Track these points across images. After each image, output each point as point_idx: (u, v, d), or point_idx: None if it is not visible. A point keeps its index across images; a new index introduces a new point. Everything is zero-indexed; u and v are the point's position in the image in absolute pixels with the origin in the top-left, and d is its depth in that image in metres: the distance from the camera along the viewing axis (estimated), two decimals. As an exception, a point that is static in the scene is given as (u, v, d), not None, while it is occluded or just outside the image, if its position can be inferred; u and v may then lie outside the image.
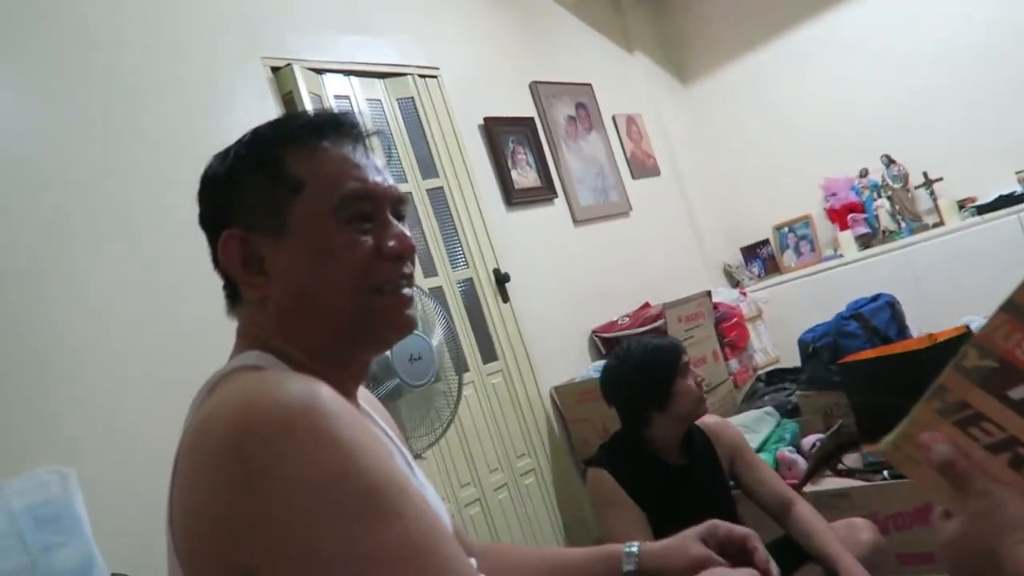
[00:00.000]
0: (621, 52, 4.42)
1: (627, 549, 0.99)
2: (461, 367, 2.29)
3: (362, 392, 0.90)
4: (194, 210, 0.83)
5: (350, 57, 2.84)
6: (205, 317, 1.99)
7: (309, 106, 2.49)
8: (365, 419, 0.77)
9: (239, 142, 0.82)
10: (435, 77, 3.13)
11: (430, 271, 2.90)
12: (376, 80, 2.95)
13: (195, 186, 0.83)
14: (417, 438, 2.00)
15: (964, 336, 2.33)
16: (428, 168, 3.03)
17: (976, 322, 2.68)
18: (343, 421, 0.64)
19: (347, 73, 2.83)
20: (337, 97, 2.74)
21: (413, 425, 1.91)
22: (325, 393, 0.66)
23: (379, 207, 0.80)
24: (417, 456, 1.98)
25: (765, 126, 4.47)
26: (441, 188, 3.05)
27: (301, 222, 0.77)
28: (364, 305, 0.78)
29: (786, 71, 4.35)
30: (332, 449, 0.62)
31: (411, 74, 3.04)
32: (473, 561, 0.93)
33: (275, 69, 2.53)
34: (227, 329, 0.84)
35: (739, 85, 4.55)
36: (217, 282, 0.83)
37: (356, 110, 2.80)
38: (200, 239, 0.82)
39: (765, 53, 4.43)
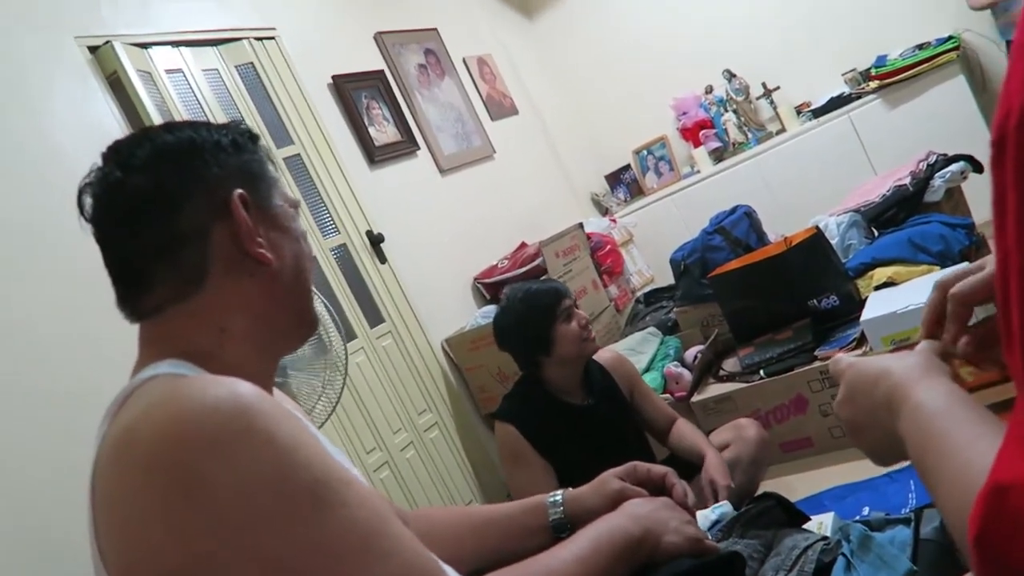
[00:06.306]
0: (463, -8, 4.34)
1: (551, 499, 1.02)
2: (348, 335, 2.26)
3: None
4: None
5: (176, 26, 2.64)
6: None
7: (140, 85, 2.30)
8: (294, 412, 0.76)
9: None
10: (273, 39, 2.96)
11: (300, 243, 2.79)
12: (209, 48, 2.76)
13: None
14: (311, 415, 1.96)
15: (816, 236, 2.50)
16: (281, 135, 2.90)
17: (823, 221, 2.88)
18: (277, 419, 0.65)
19: (176, 44, 2.63)
20: (169, 72, 2.54)
21: (306, 405, 1.87)
22: (253, 392, 0.66)
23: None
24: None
25: (613, 52, 4.54)
26: (298, 155, 2.92)
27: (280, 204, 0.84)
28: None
29: (626, -4, 4.42)
30: (271, 448, 0.63)
31: (246, 38, 2.86)
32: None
33: (92, 48, 2.32)
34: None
35: (583, 13, 4.59)
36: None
37: (192, 83, 2.62)
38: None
39: (604, -21, 4.47)
